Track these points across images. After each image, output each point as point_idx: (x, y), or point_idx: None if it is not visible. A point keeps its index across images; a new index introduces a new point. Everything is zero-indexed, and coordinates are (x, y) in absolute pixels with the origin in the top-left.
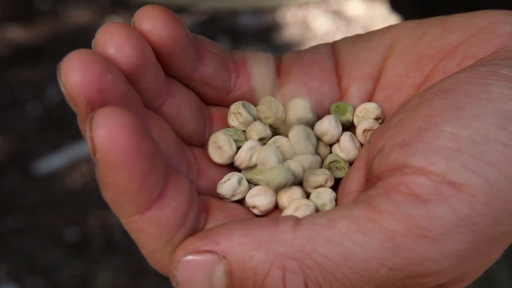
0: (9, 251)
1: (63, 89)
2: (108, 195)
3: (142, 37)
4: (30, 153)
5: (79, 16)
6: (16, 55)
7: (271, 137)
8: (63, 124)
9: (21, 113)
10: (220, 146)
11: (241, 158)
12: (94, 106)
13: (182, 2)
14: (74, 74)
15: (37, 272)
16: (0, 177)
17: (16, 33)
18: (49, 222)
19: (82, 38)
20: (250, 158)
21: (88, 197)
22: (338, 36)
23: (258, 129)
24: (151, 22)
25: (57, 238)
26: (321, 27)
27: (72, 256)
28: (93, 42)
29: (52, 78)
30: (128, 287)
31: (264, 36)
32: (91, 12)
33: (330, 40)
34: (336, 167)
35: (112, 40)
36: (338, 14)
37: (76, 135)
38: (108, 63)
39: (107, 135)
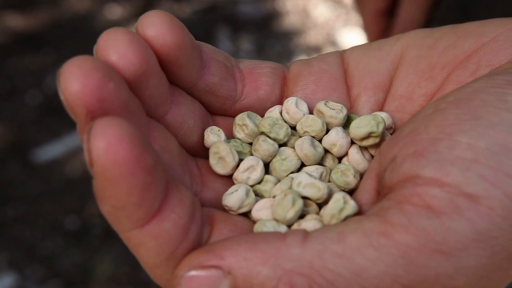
0: (9, 240)
1: (62, 97)
2: (105, 208)
3: (145, 44)
4: (30, 142)
5: (78, 4)
6: (15, 43)
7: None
8: (63, 113)
9: (20, 102)
10: (222, 157)
11: (238, 179)
12: (94, 115)
13: None
14: (74, 82)
15: (37, 261)
16: (0, 166)
17: (16, 21)
18: (49, 210)
19: (82, 26)
20: (248, 179)
21: (87, 185)
22: (338, 25)
23: (263, 149)
24: (155, 28)
25: (57, 226)
26: (321, 16)
27: (72, 244)
28: (95, 48)
29: (52, 66)
30: (128, 275)
31: (264, 24)
32: (90, 0)
33: (330, 29)
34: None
35: (115, 47)
36: (338, 3)
37: (75, 124)
38: (109, 70)
39: (106, 147)
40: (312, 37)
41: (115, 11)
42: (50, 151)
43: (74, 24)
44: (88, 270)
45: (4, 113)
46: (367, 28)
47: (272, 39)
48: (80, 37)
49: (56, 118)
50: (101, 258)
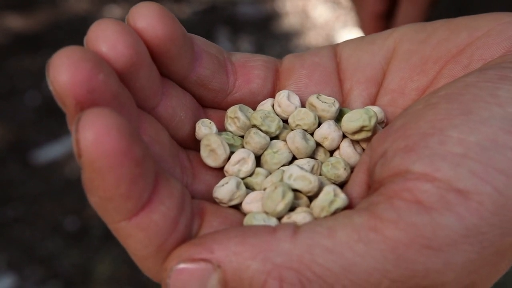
0: (9, 240)
1: (51, 88)
2: (93, 199)
3: (136, 35)
4: (29, 143)
5: (78, 5)
6: (15, 44)
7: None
8: (62, 113)
9: (20, 102)
10: (213, 149)
11: (229, 172)
12: (83, 106)
13: None
14: (63, 72)
15: (37, 261)
16: (0, 166)
17: (15, 22)
18: (49, 211)
19: (81, 27)
20: (239, 171)
21: None
22: (337, 26)
23: (255, 141)
24: (146, 19)
25: (57, 227)
26: (320, 17)
27: (71, 245)
28: (85, 39)
29: None
30: (127, 276)
31: (264, 25)
32: (90, 1)
33: (329, 30)
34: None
35: (105, 37)
36: (337, 3)
37: None
38: (99, 61)
39: (94, 138)
40: (312, 38)
41: (114, 12)
42: (50, 151)
43: (73, 25)
44: (88, 270)
45: (4, 113)
46: (365, 31)
47: (271, 40)
48: (79, 38)
49: (56, 119)
50: (100, 259)
